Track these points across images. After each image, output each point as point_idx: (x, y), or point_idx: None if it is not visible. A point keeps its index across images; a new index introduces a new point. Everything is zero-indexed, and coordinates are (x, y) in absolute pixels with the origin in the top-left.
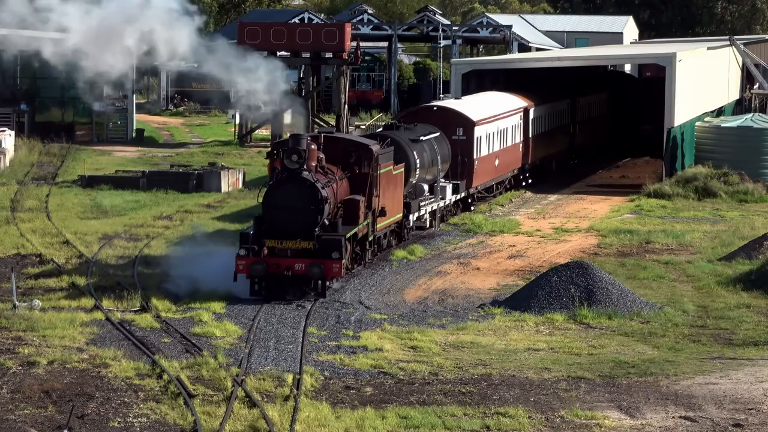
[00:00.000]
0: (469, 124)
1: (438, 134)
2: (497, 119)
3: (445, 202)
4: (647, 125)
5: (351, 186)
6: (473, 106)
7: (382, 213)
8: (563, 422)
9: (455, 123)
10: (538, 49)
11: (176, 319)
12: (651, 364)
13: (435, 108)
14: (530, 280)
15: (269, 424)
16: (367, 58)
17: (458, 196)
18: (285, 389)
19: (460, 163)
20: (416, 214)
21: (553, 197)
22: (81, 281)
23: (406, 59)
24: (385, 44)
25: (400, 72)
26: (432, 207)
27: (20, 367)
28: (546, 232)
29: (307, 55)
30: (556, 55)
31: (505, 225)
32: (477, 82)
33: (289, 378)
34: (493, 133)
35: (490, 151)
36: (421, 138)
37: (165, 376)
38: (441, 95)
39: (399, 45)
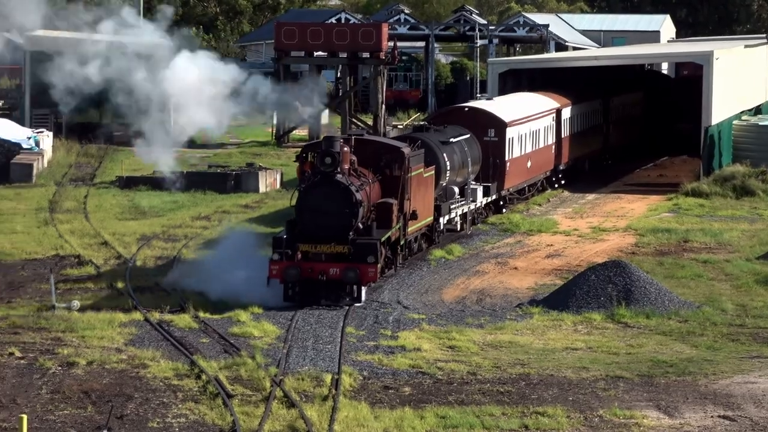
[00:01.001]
0: (500, 126)
1: (468, 136)
2: (529, 120)
3: (476, 205)
4: (684, 124)
5: (382, 189)
6: (505, 107)
7: (413, 216)
8: (602, 422)
9: (487, 124)
10: (575, 49)
11: (214, 319)
12: (689, 363)
13: (466, 109)
14: (568, 280)
15: (308, 424)
16: (404, 57)
17: (489, 199)
18: (323, 389)
19: (492, 165)
20: (447, 217)
21: (590, 196)
22: (119, 282)
23: (443, 59)
24: (422, 44)
25: (437, 72)
26: (463, 210)
27: (60, 368)
28: (583, 232)
29: (344, 55)
30: (592, 54)
31: (543, 224)
32: (514, 81)
33: (328, 378)
34: (525, 134)
35: (522, 153)
36: (451, 140)
37: (203, 377)
38: (478, 95)
39: (436, 45)
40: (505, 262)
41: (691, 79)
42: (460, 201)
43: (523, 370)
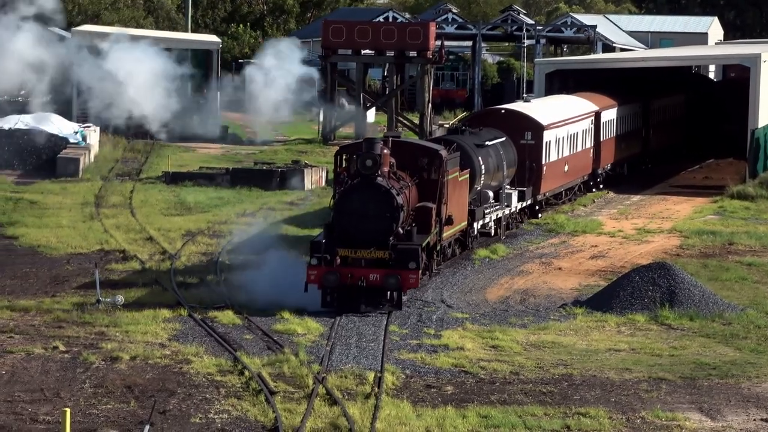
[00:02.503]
0: (537, 128)
1: (504, 139)
2: (567, 123)
3: (510, 210)
4: (729, 126)
5: (419, 192)
6: (542, 109)
7: (449, 221)
8: (644, 423)
9: (523, 127)
10: (622, 50)
11: (258, 316)
12: (732, 365)
13: (503, 111)
14: (612, 281)
15: (350, 422)
16: (451, 57)
17: (524, 204)
18: (366, 387)
19: (528, 169)
20: (480, 222)
21: (635, 198)
22: (164, 277)
23: (490, 58)
24: (469, 43)
25: (483, 71)
26: (497, 215)
27: (103, 362)
28: (628, 233)
29: (392, 53)
30: (639, 55)
31: (588, 225)
32: (560, 82)
33: (371, 376)
34: (563, 137)
35: (560, 157)
36: (487, 143)
37: (246, 373)
38: (524, 95)
39: (483, 44)
40: (549, 262)
41: (737, 82)
42: (495, 206)
43: (566, 371)
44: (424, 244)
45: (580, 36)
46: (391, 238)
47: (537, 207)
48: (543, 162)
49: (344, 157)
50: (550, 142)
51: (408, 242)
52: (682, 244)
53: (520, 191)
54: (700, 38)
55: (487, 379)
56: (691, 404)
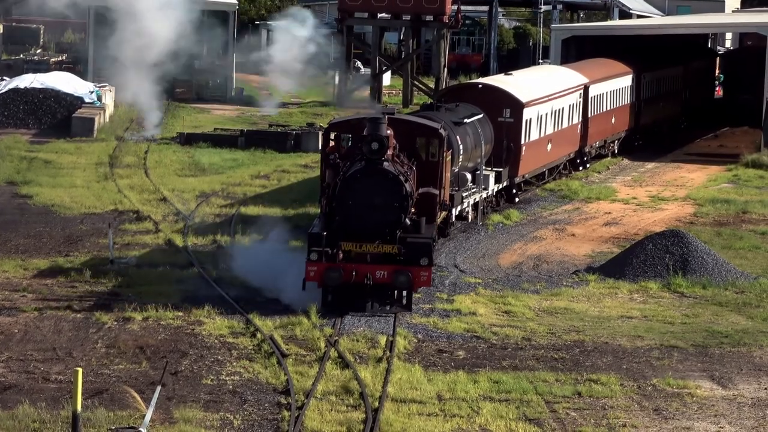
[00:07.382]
0: (517, 106)
1: (481, 116)
2: (552, 99)
3: (487, 193)
4: (747, 96)
5: (418, 176)
6: (523, 84)
7: (443, 207)
8: (655, 391)
9: (501, 104)
10: (638, 17)
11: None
12: (745, 334)
13: (480, 86)
14: (625, 248)
15: (361, 386)
16: (467, 21)
17: (500, 186)
18: (378, 351)
19: (506, 149)
20: (459, 207)
21: (650, 165)
22: (177, 238)
23: (506, 24)
24: (485, 8)
25: (500, 36)
26: (474, 198)
27: (115, 323)
28: (642, 200)
29: (408, 17)
30: (655, 23)
31: (602, 192)
32: (577, 48)
33: (383, 340)
34: (546, 114)
35: (542, 135)
36: (465, 120)
37: (259, 335)
38: (540, 60)
39: (500, 9)
40: (562, 228)
41: (751, 50)
42: (472, 189)
43: (578, 337)
44: (433, 237)
45: (596, 2)
46: (399, 231)
47: (514, 190)
48: (522, 142)
49: (335, 136)
50: (530, 119)
51: (417, 235)
52: (695, 212)
53: (496, 172)
54: (717, 6)
55: (498, 344)
56: (703, 372)
